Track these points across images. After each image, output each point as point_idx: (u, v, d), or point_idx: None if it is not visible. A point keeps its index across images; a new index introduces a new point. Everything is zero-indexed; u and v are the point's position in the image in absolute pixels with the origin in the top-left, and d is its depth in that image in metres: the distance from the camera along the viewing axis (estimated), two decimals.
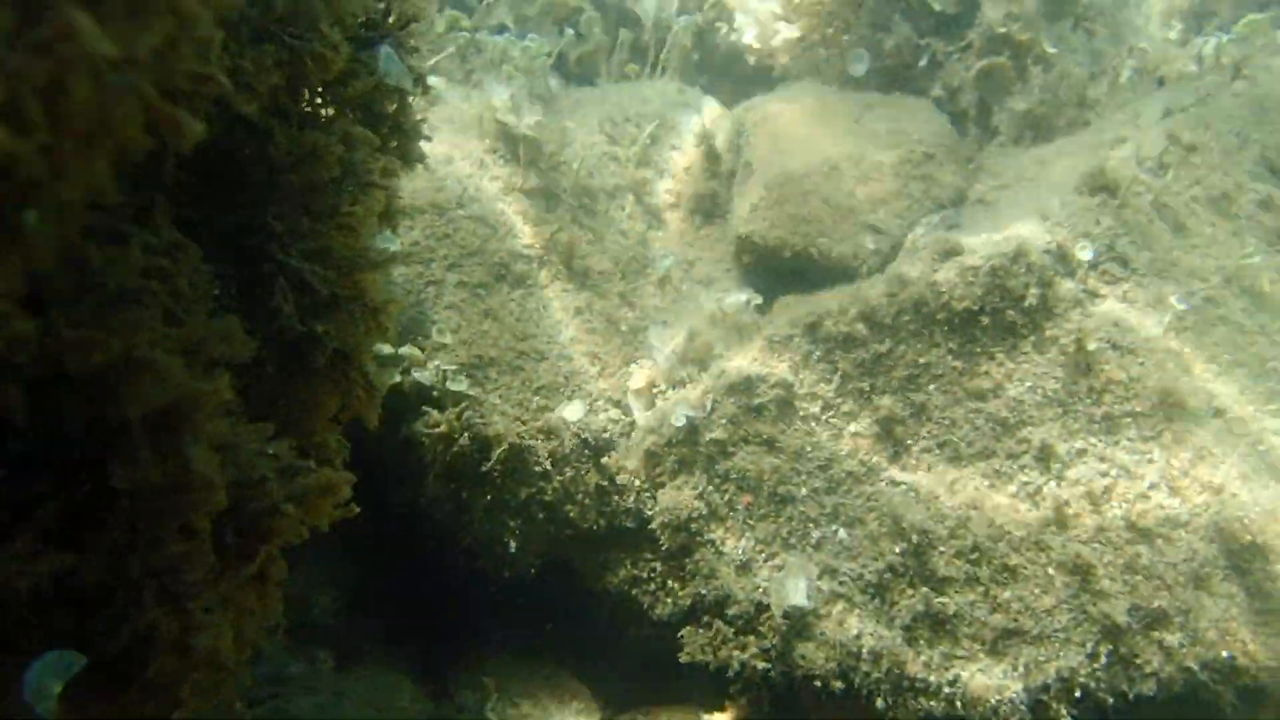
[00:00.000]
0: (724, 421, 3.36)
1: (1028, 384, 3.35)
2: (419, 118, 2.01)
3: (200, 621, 1.11)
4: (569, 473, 3.62)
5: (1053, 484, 3.29)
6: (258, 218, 1.32)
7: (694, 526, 3.34)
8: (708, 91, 5.78)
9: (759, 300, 3.89)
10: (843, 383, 3.39)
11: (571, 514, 3.65)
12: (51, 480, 1.03)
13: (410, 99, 1.97)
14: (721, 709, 3.61)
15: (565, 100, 5.08)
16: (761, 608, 3.24)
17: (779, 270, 4.33)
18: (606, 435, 3.67)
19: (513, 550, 3.57)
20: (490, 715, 3.93)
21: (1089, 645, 3.14)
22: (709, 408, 3.36)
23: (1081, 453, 3.31)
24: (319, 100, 1.48)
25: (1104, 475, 3.29)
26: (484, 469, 3.50)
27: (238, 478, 1.14)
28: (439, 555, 3.69)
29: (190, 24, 0.87)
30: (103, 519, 1.03)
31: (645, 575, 3.56)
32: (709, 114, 5.31)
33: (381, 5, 1.77)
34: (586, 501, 3.64)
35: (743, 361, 3.40)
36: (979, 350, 3.40)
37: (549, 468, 3.58)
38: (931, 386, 3.38)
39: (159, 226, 1.10)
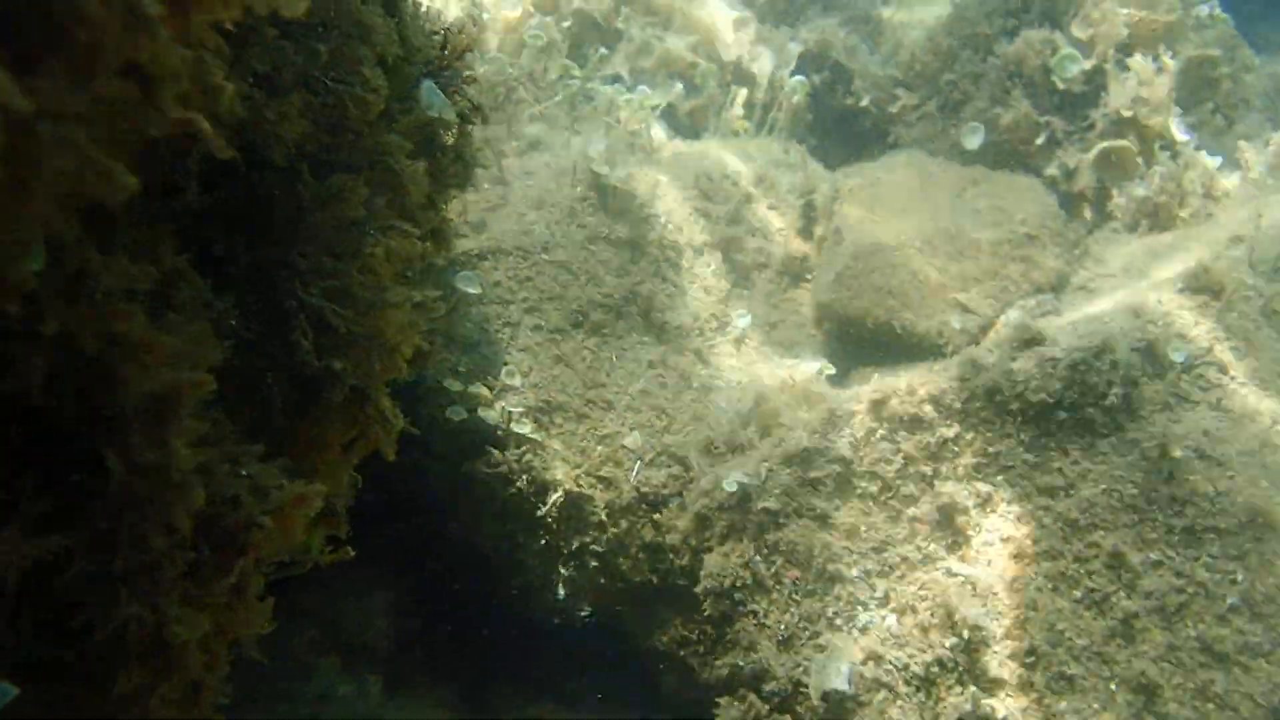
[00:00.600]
0: (778, 491, 3.34)
1: (1102, 486, 3.23)
2: (476, 147, 2.11)
3: (176, 617, 1.18)
4: (624, 525, 3.65)
5: (1122, 594, 3.14)
6: (283, 255, 1.42)
7: (738, 595, 3.32)
8: (817, 152, 5.81)
9: (831, 371, 3.86)
10: (905, 465, 3.33)
11: (624, 566, 3.68)
12: (41, 472, 1.13)
13: (469, 128, 2.08)
14: None
15: (666, 152, 5.19)
16: (800, 686, 3.19)
17: (860, 341, 4.30)
18: (665, 491, 3.69)
19: (562, 597, 3.62)
20: None
21: None
22: (764, 476, 3.35)
23: (1157, 565, 3.16)
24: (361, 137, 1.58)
25: (1180, 591, 3.13)
26: (540, 513, 3.57)
27: (213, 486, 1.22)
28: (493, 593, 3.77)
29: (158, 81, 0.96)
30: (88, 512, 1.12)
31: (695, 637, 3.55)
32: (811, 176, 5.33)
33: (437, 38, 1.88)
34: (640, 555, 3.66)
35: (804, 433, 3.38)
36: (1053, 446, 3.29)
37: (604, 518, 3.63)
38: (999, 478, 3.29)
39: (160, 258, 1.19)
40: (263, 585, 1.40)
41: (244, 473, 1.27)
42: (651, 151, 5.04)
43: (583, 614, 3.64)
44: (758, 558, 3.31)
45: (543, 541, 3.58)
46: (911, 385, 3.36)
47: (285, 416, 1.47)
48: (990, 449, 3.30)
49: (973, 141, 5.55)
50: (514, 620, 3.78)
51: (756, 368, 4.08)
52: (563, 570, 3.59)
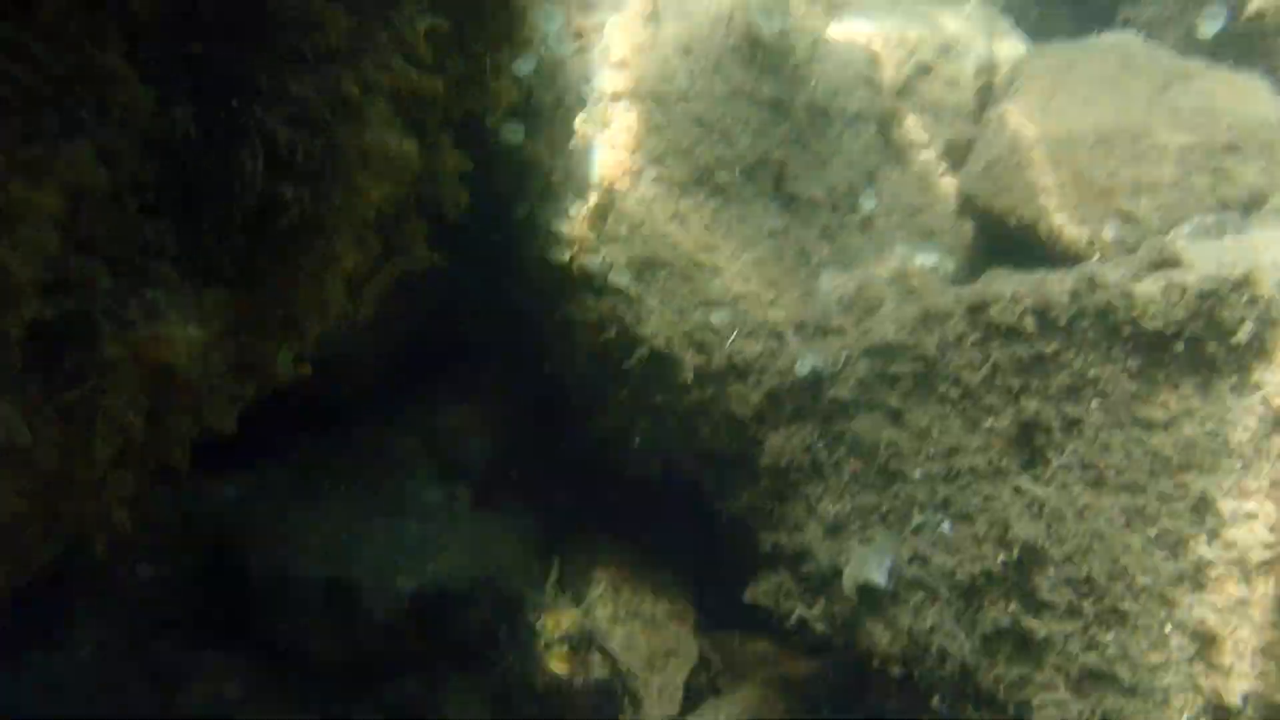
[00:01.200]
0: (853, 381, 3.32)
1: (1208, 426, 2.99)
2: None
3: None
4: (710, 391, 3.74)
5: (1203, 540, 2.96)
6: (248, 73, 1.52)
7: (794, 477, 3.37)
8: (1040, 26, 5.33)
9: (949, 268, 3.70)
10: (992, 374, 3.21)
11: (704, 431, 3.79)
12: None
13: None
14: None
15: (850, 9, 4.89)
16: (838, 574, 3.25)
17: (1000, 239, 4.06)
18: (757, 364, 3.73)
19: (637, 447, 3.79)
20: (596, 601, 4.27)
21: (1184, 715, 2.87)
22: (840, 363, 3.32)
23: (1249, 516, 2.93)
24: None
25: (1268, 548, 2.90)
26: (626, 365, 3.71)
27: (68, 306, 1.39)
28: (578, 434, 4.00)
29: None
30: None
31: (759, 508, 3.65)
32: (1006, 49, 4.92)
33: None
34: (721, 423, 3.75)
35: (892, 327, 3.31)
36: (1162, 378, 3.06)
37: (690, 380, 3.72)
38: (1094, 403, 3.11)
39: (89, 54, 1.29)
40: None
41: (132, 296, 1.42)
42: (833, 7, 4.77)
43: (655, 470, 3.81)
44: (820, 444, 3.33)
45: (625, 393, 3.73)
46: (1018, 293, 3.19)
47: (246, 238, 1.63)
48: (1090, 373, 3.11)
49: (1209, 28, 4.92)
50: (596, 464, 4.00)
51: (876, 252, 3.95)
52: (640, 423, 3.73)
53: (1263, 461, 2.95)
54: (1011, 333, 3.17)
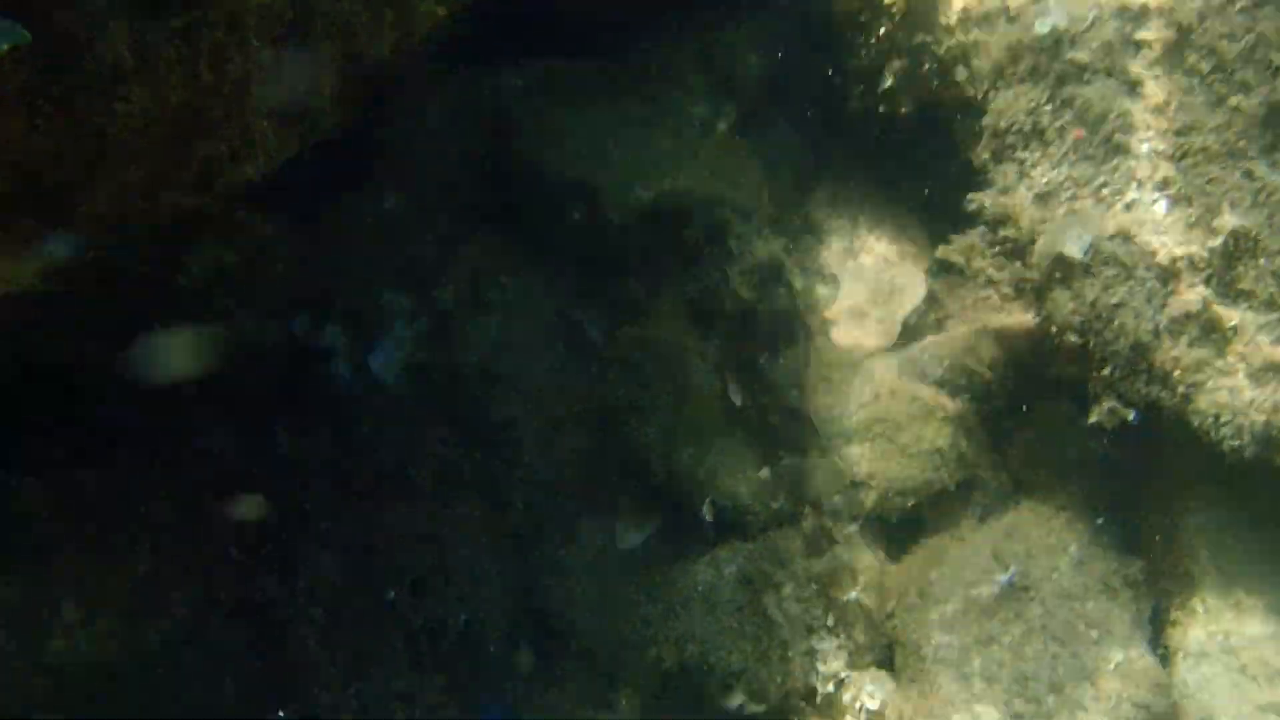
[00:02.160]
0: (1096, 45, 3.19)
1: None
2: None
3: None
4: (973, 35, 3.68)
5: None
6: None
7: (1010, 139, 3.40)
8: None
9: None
10: (1254, 46, 2.96)
11: (959, 76, 3.79)
12: None
13: None
14: None
15: None
16: (1035, 240, 3.36)
17: None
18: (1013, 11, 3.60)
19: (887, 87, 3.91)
20: (828, 234, 4.63)
21: None
22: (1088, 22, 3.19)
23: None
24: None
25: None
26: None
27: None
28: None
29: None
30: None
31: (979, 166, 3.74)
32: None
33: None
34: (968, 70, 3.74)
35: None
36: None
37: (955, 23, 3.68)
38: None
39: None
40: None
41: None
42: None
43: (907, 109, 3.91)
44: (1047, 107, 3.30)
45: (882, 31, 3.79)
46: None
47: None
48: None
49: None
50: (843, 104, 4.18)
51: None
52: (895, 63, 3.81)
53: None
54: None
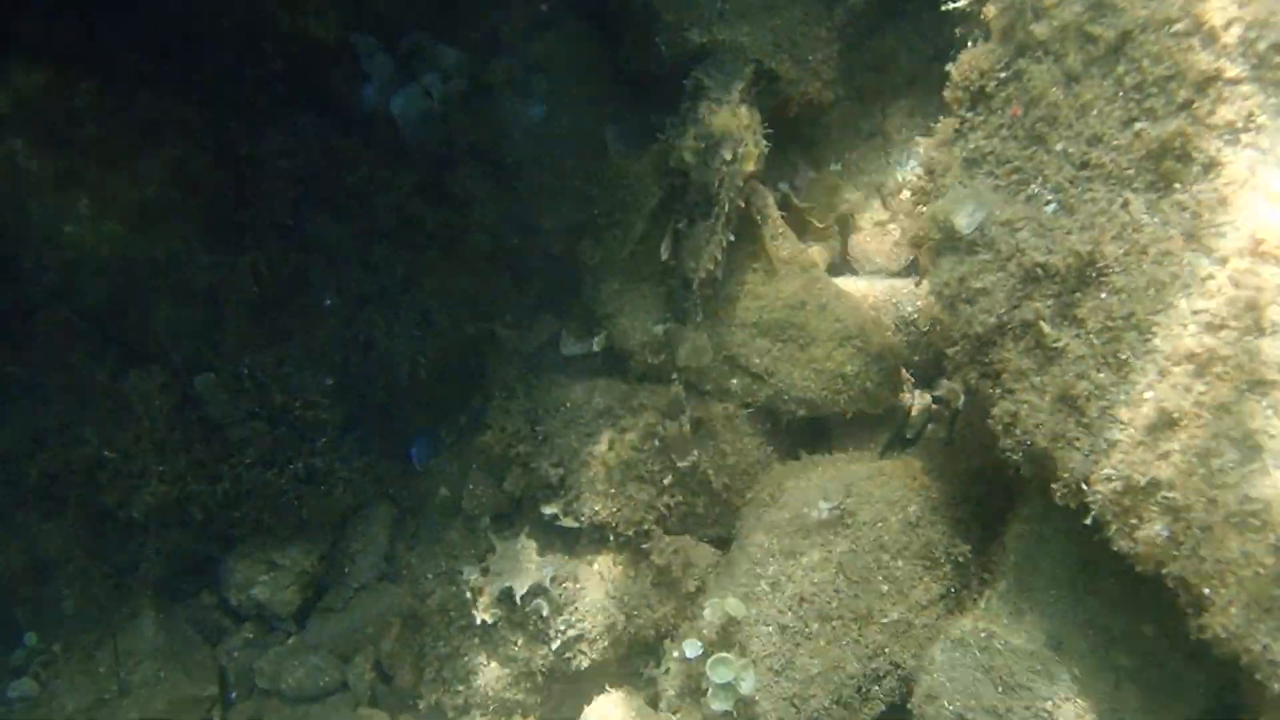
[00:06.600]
0: (1057, 23, 3.26)
1: None
2: None
3: None
4: None
5: None
6: None
7: (960, 94, 3.55)
8: None
9: None
10: (1173, 74, 2.98)
11: None
12: None
13: None
14: None
15: None
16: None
17: None
18: None
19: None
20: None
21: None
22: None
23: None
24: None
25: None
26: None
27: None
28: None
29: None
30: None
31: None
32: None
33: None
34: None
35: None
36: None
37: None
38: (1247, 153, 2.83)
39: None
40: None
41: None
42: None
43: None
44: (1002, 73, 3.44)
45: None
46: None
47: None
48: (1260, 119, 2.78)
49: None
50: None
51: None
52: None
53: None
54: (1210, 37, 2.88)
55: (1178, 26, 2.97)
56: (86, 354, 4.58)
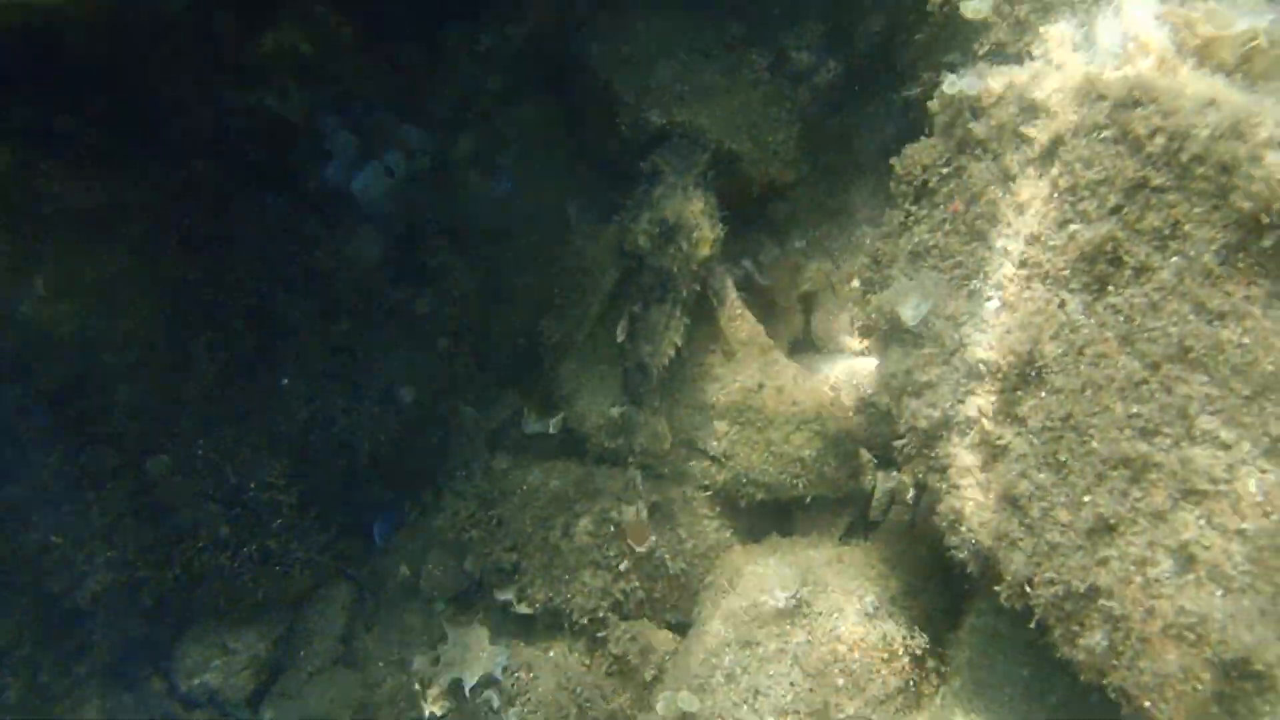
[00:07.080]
0: (1004, 116, 3.29)
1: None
2: None
3: None
4: None
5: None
6: None
7: (905, 188, 3.58)
8: None
9: None
10: (1104, 179, 3.00)
11: None
12: None
13: None
14: None
15: None
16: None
17: None
18: None
19: None
20: None
21: None
22: (994, 98, 3.29)
23: None
24: None
25: None
26: None
27: None
28: None
29: None
30: None
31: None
32: None
33: None
34: None
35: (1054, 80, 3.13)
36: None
37: None
38: (1174, 260, 2.84)
39: None
40: None
41: None
42: None
43: None
44: (944, 169, 3.46)
45: None
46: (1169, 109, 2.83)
47: None
48: (1184, 227, 2.79)
49: None
50: None
51: None
52: None
53: None
54: (1136, 145, 2.90)
55: (1106, 134, 3.00)
56: (40, 435, 4.58)
